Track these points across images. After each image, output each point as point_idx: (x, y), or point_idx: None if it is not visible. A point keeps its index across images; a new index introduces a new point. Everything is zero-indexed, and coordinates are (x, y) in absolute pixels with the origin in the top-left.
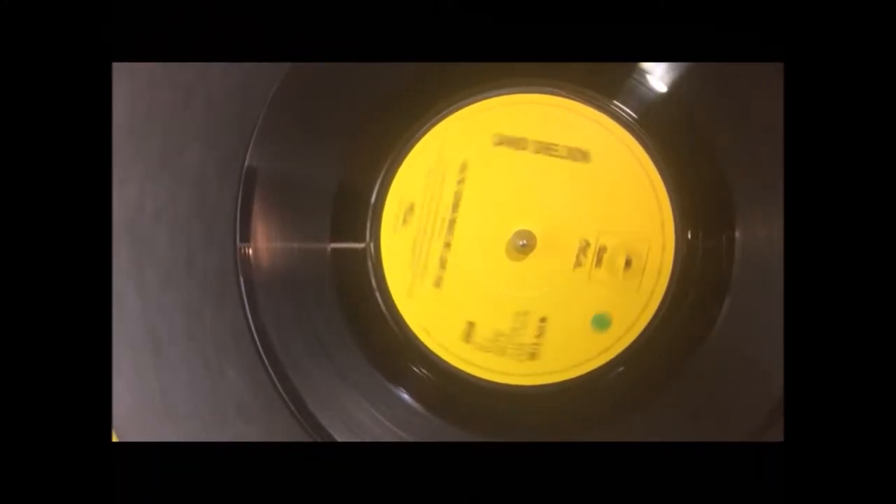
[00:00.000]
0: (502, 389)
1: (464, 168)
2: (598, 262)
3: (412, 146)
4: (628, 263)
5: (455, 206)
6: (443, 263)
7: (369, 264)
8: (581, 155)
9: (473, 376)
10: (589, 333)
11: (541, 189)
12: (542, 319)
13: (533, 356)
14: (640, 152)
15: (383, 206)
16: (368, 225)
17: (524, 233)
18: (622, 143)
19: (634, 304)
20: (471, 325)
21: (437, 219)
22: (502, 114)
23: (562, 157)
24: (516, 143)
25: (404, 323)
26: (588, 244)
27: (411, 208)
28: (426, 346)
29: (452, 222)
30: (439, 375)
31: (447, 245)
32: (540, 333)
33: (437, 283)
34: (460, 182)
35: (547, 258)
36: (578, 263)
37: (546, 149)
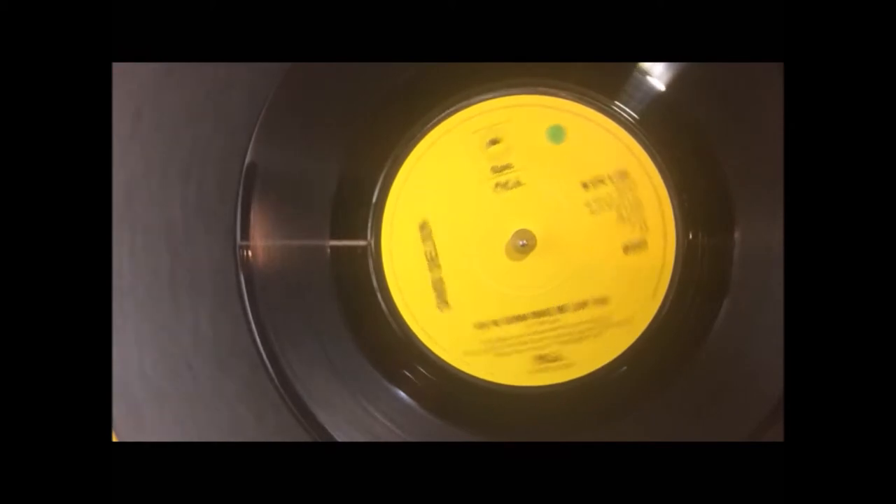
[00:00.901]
0: (502, 389)
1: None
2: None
3: (414, 145)
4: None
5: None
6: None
7: (370, 263)
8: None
9: (473, 376)
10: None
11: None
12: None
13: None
14: (640, 152)
15: (384, 205)
16: (370, 223)
17: (524, 233)
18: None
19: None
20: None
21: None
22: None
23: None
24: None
25: (404, 322)
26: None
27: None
28: (426, 346)
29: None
30: (439, 375)
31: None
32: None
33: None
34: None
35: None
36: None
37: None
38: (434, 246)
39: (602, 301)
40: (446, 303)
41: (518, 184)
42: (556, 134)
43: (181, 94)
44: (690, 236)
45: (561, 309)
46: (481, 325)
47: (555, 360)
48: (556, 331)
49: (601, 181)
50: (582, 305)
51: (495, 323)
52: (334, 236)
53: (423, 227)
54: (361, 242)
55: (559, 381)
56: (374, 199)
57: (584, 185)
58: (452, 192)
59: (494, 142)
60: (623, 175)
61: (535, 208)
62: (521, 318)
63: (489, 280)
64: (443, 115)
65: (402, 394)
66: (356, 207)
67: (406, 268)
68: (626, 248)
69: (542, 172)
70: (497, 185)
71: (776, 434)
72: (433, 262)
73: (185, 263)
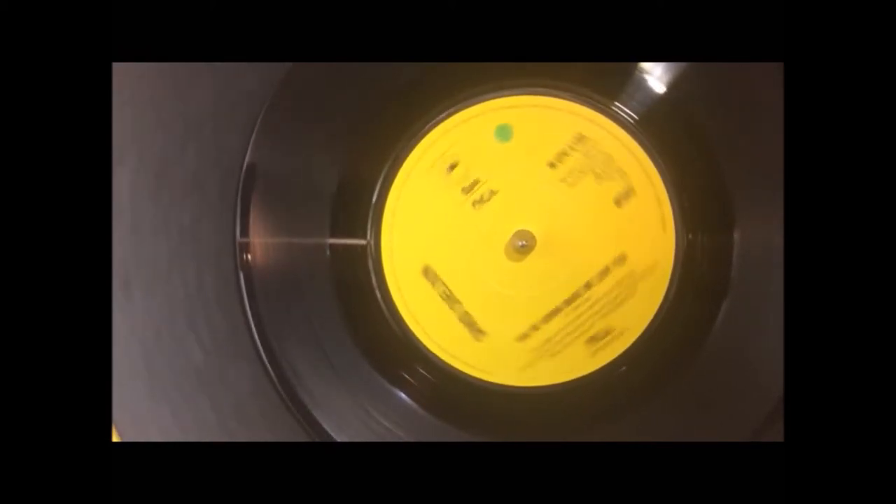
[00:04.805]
0: (502, 390)
1: (462, 168)
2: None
3: (414, 145)
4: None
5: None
6: (460, 297)
7: (370, 262)
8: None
9: (473, 377)
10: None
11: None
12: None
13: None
14: (640, 153)
15: (384, 204)
16: (370, 223)
17: (524, 233)
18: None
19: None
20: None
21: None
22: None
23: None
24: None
25: (403, 322)
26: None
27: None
28: (425, 346)
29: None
30: (438, 376)
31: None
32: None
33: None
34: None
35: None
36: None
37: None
38: (445, 285)
39: (621, 259)
40: (480, 331)
41: (493, 193)
42: (503, 132)
43: (181, 94)
44: (690, 236)
45: (587, 285)
46: (523, 337)
47: (606, 334)
48: (593, 307)
49: (564, 154)
50: (605, 273)
51: (534, 328)
52: (334, 235)
53: (427, 271)
54: (361, 241)
55: (620, 350)
56: (374, 199)
57: (552, 165)
58: (437, 228)
59: (453, 166)
60: (580, 138)
61: (519, 207)
62: (555, 311)
63: (509, 291)
64: (441, 115)
65: (401, 394)
66: (356, 207)
67: (424, 305)
68: (618, 202)
69: (509, 172)
70: (474, 203)
71: (776, 434)
72: (451, 299)
73: (184, 262)
